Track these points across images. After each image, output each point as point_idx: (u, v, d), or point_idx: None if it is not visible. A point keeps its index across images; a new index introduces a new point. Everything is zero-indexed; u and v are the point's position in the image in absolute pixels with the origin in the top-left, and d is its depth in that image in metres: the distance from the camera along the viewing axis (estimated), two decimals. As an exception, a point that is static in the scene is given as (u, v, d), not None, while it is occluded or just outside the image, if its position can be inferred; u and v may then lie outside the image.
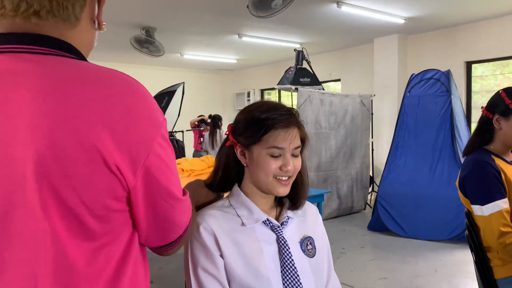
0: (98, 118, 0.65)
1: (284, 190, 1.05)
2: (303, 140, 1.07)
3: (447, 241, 4.48)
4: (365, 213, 6.05)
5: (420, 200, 4.73)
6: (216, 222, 1.03)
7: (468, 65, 5.95)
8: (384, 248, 4.39)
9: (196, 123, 7.54)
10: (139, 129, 0.69)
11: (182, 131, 7.00)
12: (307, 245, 1.11)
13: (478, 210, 1.72)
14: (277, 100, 9.56)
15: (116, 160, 0.66)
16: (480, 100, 6.09)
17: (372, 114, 6.32)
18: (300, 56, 5.95)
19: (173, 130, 6.72)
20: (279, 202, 1.15)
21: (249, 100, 9.87)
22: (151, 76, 9.04)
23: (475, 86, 6.12)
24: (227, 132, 1.09)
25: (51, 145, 0.62)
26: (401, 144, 5.08)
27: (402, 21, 5.49)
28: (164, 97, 7.01)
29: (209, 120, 7.47)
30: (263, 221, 1.06)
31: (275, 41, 6.65)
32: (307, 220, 1.16)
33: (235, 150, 1.07)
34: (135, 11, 5.03)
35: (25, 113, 0.63)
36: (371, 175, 6.51)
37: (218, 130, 6.38)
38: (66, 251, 0.66)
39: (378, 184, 6.07)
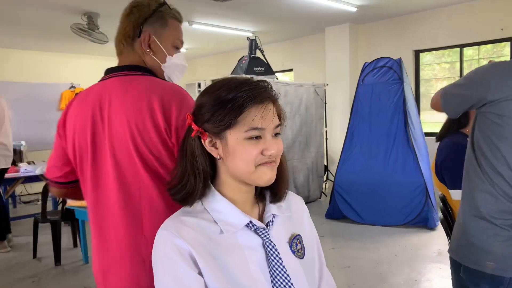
0: (159, 110, 1.11)
1: (271, 176, 0.88)
2: (280, 116, 0.90)
3: (402, 226, 4.58)
4: (321, 201, 6.08)
5: (375, 186, 4.79)
6: (190, 233, 0.84)
7: (417, 53, 6.12)
8: (344, 236, 4.41)
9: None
10: (175, 113, 1.12)
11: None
12: (297, 245, 0.96)
13: (457, 195, 1.68)
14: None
15: (166, 129, 1.11)
16: (421, 89, 6.28)
17: (325, 103, 6.34)
18: (253, 45, 5.81)
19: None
20: (259, 196, 0.99)
21: (199, 90, 9.58)
22: (94, 67, 8.48)
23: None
24: (188, 122, 0.90)
25: (136, 128, 1.11)
26: (356, 132, 5.12)
27: (354, 9, 5.51)
28: (110, 88, 6.60)
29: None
30: (245, 225, 0.89)
31: (227, 29, 6.46)
32: (293, 215, 1.01)
33: (203, 141, 0.88)
34: (75, -7, 4.62)
35: (124, 112, 1.13)
36: (326, 164, 6.55)
37: None
38: (148, 185, 1.13)
39: (332, 173, 6.11)
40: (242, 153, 0.85)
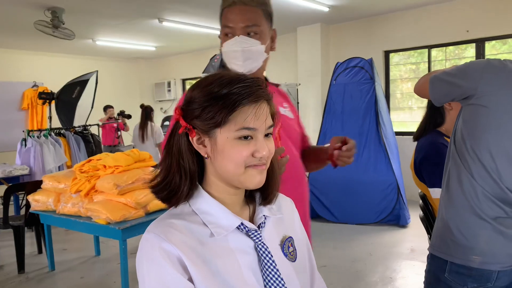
0: None
1: (261, 179, 0.83)
2: (273, 116, 0.86)
3: (375, 224, 4.64)
4: (294, 201, 6.08)
5: (348, 185, 4.83)
6: (179, 236, 0.78)
7: (386, 54, 6.22)
8: (318, 235, 4.40)
9: (115, 116, 6.99)
10: None
11: (98, 125, 6.41)
12: (289, 247, 0.92)
13: (437, 193, 1.68)
14: (199, 90, 9.24)
15: None
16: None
17: (298, 102, 6.35)
18: (225, 43, 5.75)
19: (87, 124, 6.11)
20: (249, 197, 0.94)
21: (169, 90, 9.40)
22: (59, 65, 8.18)
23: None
24: (176, 117, 0.84)
25: None
26: (329, 131, 5.15)
27: (326, 9, 5.54)
28: (76, 87, 6.34)
29: (125, 112, 7.00)
30: (236, 227, 0.84)
31: (198, 27, 6.35)
32: (284, 217, 0.97)
33: (190, 139, 0.83)
34: (38, -13, 4.40)
35: None
36: (298, 164, 6.57)
37: (149, 122, 5.91)
38: None
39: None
40: (231, 153, 0.80)
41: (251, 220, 0.90)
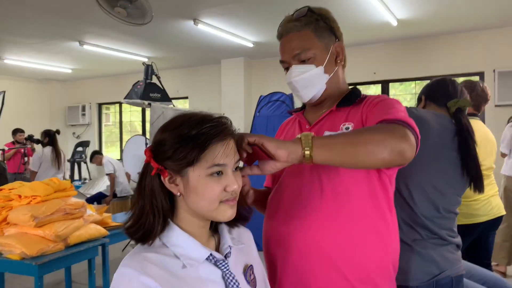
0: None
1: (232, 213, 0.91)
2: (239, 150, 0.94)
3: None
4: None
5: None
6: (155, 270, 0.81)
7: (304, 90, 6.66)
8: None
9: (24, 141, 6.43)
10: None
11: (3, 150, 5.86)
12: (250, 275, 1.00)
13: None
14: (117, 116, 8.93)
15: None
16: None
17: (221, 132, 6.47)
18: (149, 70, 5.68)
19: (-10, 148, 5.56)
20: (214, 227, 1.00)
21: (84, 114, 8.93)
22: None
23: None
24: (147, 159, 0.89)
25: None
26: (252, 161, 5.30)
27: (251, 45, 5.81)
28: (-22, 108, 5.77)
29: (35, 137, 6.50)
30: (206, 258, 0.90)
31: (121, 53, 6.23)
32: (244, 246, 1.04)
33: (162, 179, 0.88)
34: None
35: None
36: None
37: (60, 149, 5.53)
38: None
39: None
40: (204, 191, 0.86)
41: (217, 249, 0.96)
